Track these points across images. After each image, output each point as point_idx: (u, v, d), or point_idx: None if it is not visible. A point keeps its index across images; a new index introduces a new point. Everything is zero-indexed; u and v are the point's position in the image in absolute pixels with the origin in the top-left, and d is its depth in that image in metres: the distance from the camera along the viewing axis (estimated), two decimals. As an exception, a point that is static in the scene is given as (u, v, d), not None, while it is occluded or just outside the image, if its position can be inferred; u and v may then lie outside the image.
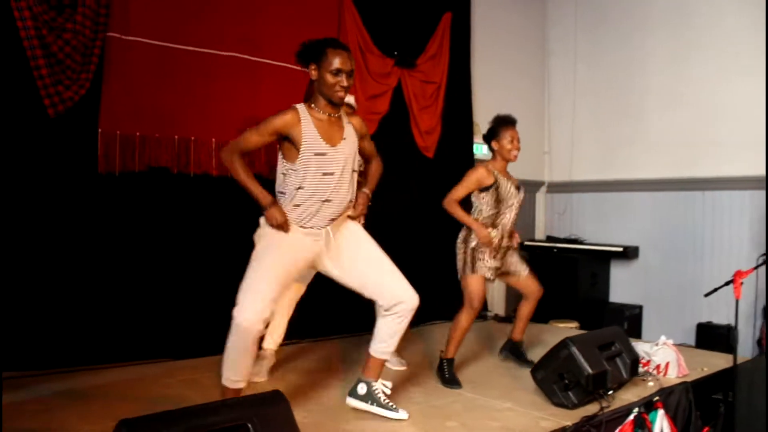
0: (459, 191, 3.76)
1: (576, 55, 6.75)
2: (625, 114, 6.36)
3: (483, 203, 3.76)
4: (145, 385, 3.45)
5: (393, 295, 2.95)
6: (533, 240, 6.72)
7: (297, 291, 3.72)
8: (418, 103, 5.48)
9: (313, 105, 2.89)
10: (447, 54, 5.69)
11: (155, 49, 4.08)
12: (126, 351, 3.90)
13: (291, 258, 2.86)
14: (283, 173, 2.92)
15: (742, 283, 3.72)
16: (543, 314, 4.81)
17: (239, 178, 2.84)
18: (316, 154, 2.81)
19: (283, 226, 2.83)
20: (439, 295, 5.63)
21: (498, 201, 3.73)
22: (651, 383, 3.65)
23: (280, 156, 2.94)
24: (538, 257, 6.23)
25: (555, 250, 6.30)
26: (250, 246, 4.40)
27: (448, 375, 3.66)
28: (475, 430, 2.91)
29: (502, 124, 3.81)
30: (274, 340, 3.76)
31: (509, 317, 5.82)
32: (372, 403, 3.03)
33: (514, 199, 3.78)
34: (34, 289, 3.67)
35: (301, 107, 2.88)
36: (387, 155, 4.82)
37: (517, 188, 3.84)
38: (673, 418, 3.48)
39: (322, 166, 2.83)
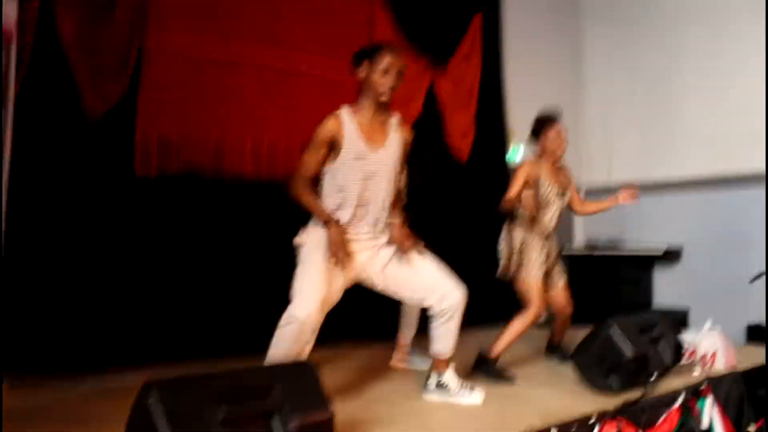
0: (513, 189, 3.61)
1: (611, 55, 6.68)
2: (664, 113, 6.25)
3: None
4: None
5: (440, 295, 2.93)
6: (571, 246, 6.59)
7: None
8: (451, 105, 5.46)
9: (358, 107, 2.89)
10: (479, 55, 5.68)
11: (190, 59, 4.17)
12: (156, 353, 3.89)
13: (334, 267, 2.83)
14: (323, 178, 2.93)
15: (789, 268, 3.59)
16: (585, 319, 4.68)
17: (306, 205, 2.85)
18: (356, 158, 2.81)
19: (338, 250, 2.75)
20: (471, 300, 5.56)
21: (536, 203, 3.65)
22: (697, 373, 3.51)
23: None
24: (578, 263, 6.10)
25: (595, 257, 6.16)
26: (283, 249, 4.43)
27: (495, 372, 3.52)
28: (514, 414, 2.83)
29: (546, 121, 3.76)
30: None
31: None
32: (443, 394, 3.05)
33: (553, 206, 3.72)
34: (69, 291, 3.70)
35: (344, 110, 2.87)
36: (420, 159, 4.85)
37: (562, 192, 3.76)
38: (723, 408, 3.34)
39: (362, 168, 2.82)
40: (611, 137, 6.67)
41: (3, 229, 2.92)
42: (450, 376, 3.07)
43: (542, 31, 6.58)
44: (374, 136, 2.87)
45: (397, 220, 3.03)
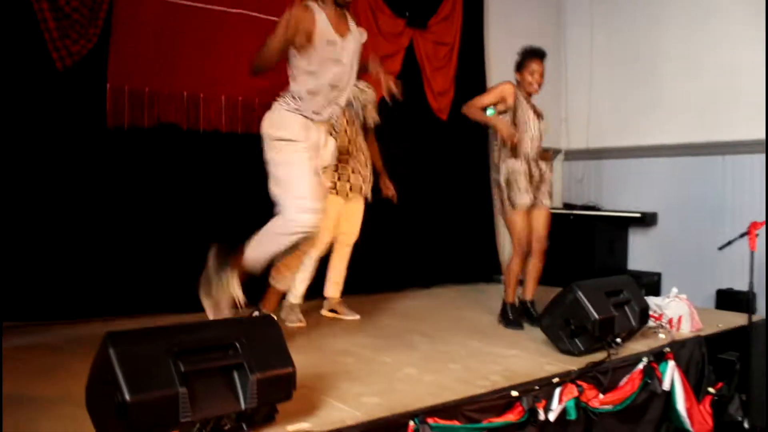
0: (482, 99, 3.83)
1: (592, 21, 6.62)
2: (643, 80, 6.23)
3: None
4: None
5: None
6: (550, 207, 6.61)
7: (321, 249, 3.86)
8: (430, 64, 5.42)
9: (320, 2, 3.03)
10: (460, 16, 5.62)
11: (164, 5, 4.07)
12: (129, 304, 3.92)
13: (312, 156, 3.05)
14: (294, 68, 3.03)
15: (757, 235, 3.63)
16: (559, 280, 4.73)
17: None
18: (328, 43, 2.98)
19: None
20: (450, 258, 5.62)
21: (515, 125, 3.73)
22: (662, 336, 3.58)
23: (290, 55, 3.02)
24: (555, 224, 6.04)
25: (572, 217, 6.20)
26: (258, 202, 4.41)
27: (512, 316, 3.84)
28: (478, 372, 2.87)
29: (528, 55, 3.85)
30: (299, 294, 3.87)
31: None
32: None
33: (532, 128, 3.79)
34: (40, 241, 3.70)
35: (311, 3, 3.00)
36: (400, 117, 4.84)
37: (538, 116, 3.84)
38: (685, 371, 3.41)
39: (333, 53, 3.00)
40: (590, 102, 6.66)
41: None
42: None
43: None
44: (340, 26, 3.06)
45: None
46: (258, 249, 2.97)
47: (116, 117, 3.93)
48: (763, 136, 5.25)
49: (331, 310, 4.13)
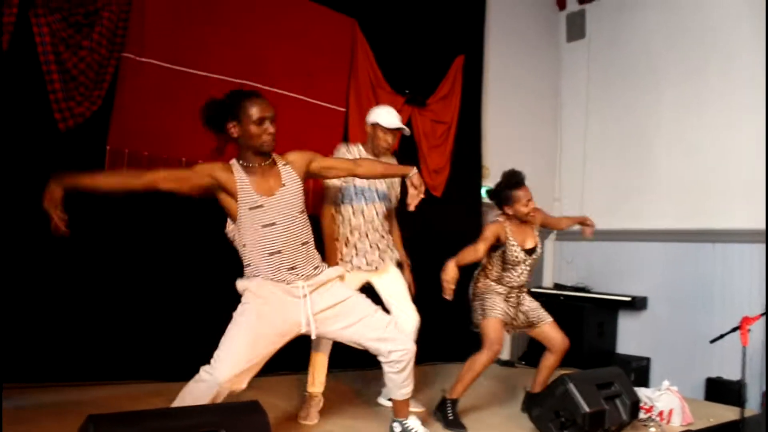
0: (479, 248, 3.57)
1: (588, 104, 6.78)
2: (636, 163, 6.34)
3: (492, 260, 3.71)
4: (129, 403, 3.37)
5: (388, 348, 2.83)
6: (540, 287, 6.61)
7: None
8: (427, 142, 5.49)
9: (242, 161, 2.73)
10: (458, 96, 5.74)
11: (168, 72, 4.15)
12: (114, 369, 3.86)
13: (270, 322, 2.66)
14: (231, 233, 2.87)
15: (749, 330, 3.62)
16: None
17: None
18: (251, 209, 2.67)
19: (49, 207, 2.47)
20: (446, 335, 5.55)
21: (504, 261, 3.66)
22: (653, 429, 3.52)
23: (227, 214, 2.81)
24: (545, 304, 5.94)
25: (562, 298, 6.19)
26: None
27: (452, 416, 3.47)
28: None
29: (513, 187, 3.65)
30: (320, 382, 3.49)
31: (511, 362, 5.69)
32: None
33: (523, 264, 3.67)
34: (34, 302, 3.66)
35: (232, 162, 2.75)
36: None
37: (528, 251, 3.70)
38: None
39: (260, 218, 2.68)
40: (584, 183, 6.74)
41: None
42: (414, 424, 3.03)
43: (523, 76, 6.68)
44: (265, 182, 2.72)
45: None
46: None
47: (113, 180, 3.93)
48: (755, 225, 5.30)
49: (391, 399, 3.79)
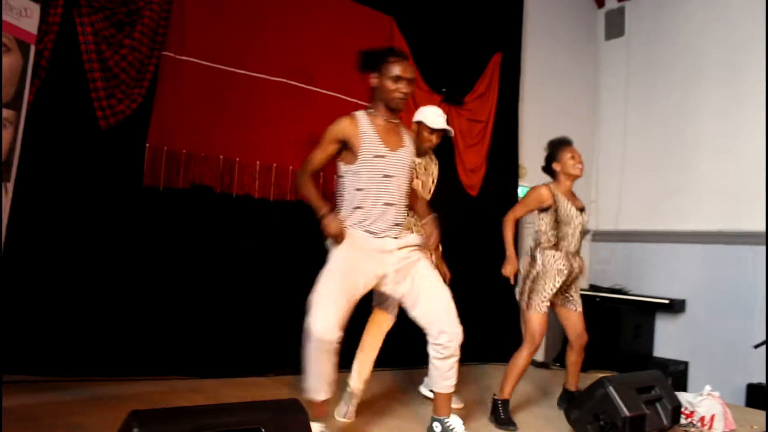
0: (518, 210, 3.69)
1: (627, 103, 6.67)
2: (675, 164, 6.23)
3: (543, 223, 3.67)
4: (170, 398, 3.42)
5: (441, 328, 2.88)
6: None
7: (386, 323, 3.51)
8: (464, 141, 5.46)
9: (371, 111, 2.94)
10: (495, 94, 5.68)
11: (207, 70, 4.18)
12: (157, 365, 3.91)
13: (358, 270, 2.83)
14: (341, 176, 2.95)
15: (794, 336, 3.53)
16: (585, 364, 4.61)
17: (304, 194, 2.89)
18: (376, 156, 2.85)
19: (337, 236, 2.80)
20: (476, 335, 5.50)
21: (558, 222, 3.62)
22: (694, 435, 3.45)
23: (339, 162, 2.95)
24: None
25: (598, 299, 6.10)
26: (288, 268, 4.40)
27: (504, 416, 3.48)
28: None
29: (560, 144, 3.76)
30: (361, 378, 3.45)
31: (546, 363, 5.62)
32: None
33: (575, 221, 3.66)
34: (71, 297, 3.71)
35: (359, 113, 2.94)
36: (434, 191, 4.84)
37: (580, 210, 3.73)
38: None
39: (382, 168, 2.86)
40: (622, 184, 6.64)
41: (3, 233, 2.91)
42: (455, 422, 3.01)
43: (561, 74, 6.60)
44: (390, 138, 2.92)
45: (429, 217, 3.07)
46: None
47: (153, 177, 3.99)
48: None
49: (433, 391, 3.91)
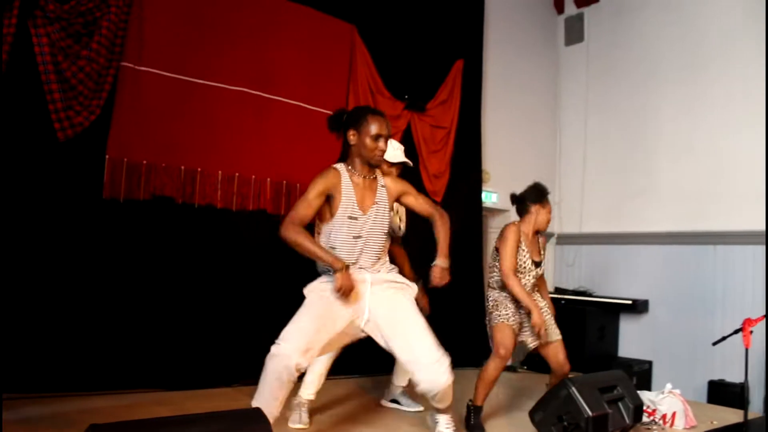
0: (509, 259, 3.55)
1: (587, 107, 6.79)
2: (636, 166, 6.35)
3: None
4: (134, 412, 3.37)
5: (419, 377, 2.87)
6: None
7: (337, 350, 3.52)
8: (427, 147, 5.49)
9: (350, 167, 2.93)
10: (458, 100, 5.73)
11: (167, 80, 4.15)
12: (119, 378, 3.85)
13: (335, 311, 2.82)
14: (318, 232, 2.98)
15: (751, 332, 3.61)
16: (547, 366, 4.66)
17: (308, 251, 2.77)
18: (350, 218, 2.87)
19: (344, 293, 2.77)
20: (443, 341, 5.53)
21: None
22: (656, 433, 3.51)
23: (315, 218, 2.97)
24: (546, 308, 6.10)
25: (563, 302, 6.17)
26: (251, 277, 4.38)
27: (473, 422, 3.53)
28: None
29: (544, 196, 3.72)
30: (311, 391, 3.52)
31: (513, 367, 5.65)
32: None
33: (529, 274, 3.64)
34: (36, 312, 3.65)
35: (340, 167, 2.93)
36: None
37: (536, 264, 3.68)
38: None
39: (352, 230, 2.87)
40: (584, 187, 6.75)
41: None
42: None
43: (522, 80, 6.69)
44: (366, 196, 2.92)
45: (439, 261, 3.03)
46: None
47: (113, 188, 3.94)
48: (755, 227, 5.29)
49: (393, 400, 3.95)
